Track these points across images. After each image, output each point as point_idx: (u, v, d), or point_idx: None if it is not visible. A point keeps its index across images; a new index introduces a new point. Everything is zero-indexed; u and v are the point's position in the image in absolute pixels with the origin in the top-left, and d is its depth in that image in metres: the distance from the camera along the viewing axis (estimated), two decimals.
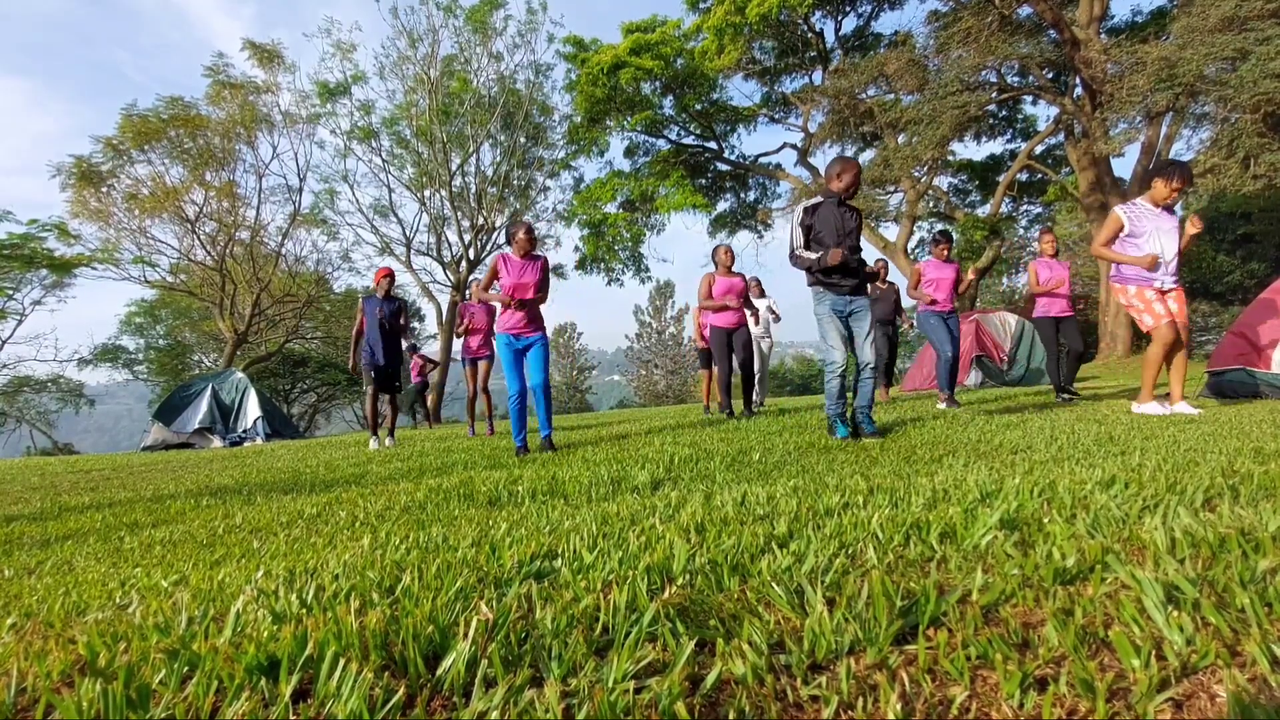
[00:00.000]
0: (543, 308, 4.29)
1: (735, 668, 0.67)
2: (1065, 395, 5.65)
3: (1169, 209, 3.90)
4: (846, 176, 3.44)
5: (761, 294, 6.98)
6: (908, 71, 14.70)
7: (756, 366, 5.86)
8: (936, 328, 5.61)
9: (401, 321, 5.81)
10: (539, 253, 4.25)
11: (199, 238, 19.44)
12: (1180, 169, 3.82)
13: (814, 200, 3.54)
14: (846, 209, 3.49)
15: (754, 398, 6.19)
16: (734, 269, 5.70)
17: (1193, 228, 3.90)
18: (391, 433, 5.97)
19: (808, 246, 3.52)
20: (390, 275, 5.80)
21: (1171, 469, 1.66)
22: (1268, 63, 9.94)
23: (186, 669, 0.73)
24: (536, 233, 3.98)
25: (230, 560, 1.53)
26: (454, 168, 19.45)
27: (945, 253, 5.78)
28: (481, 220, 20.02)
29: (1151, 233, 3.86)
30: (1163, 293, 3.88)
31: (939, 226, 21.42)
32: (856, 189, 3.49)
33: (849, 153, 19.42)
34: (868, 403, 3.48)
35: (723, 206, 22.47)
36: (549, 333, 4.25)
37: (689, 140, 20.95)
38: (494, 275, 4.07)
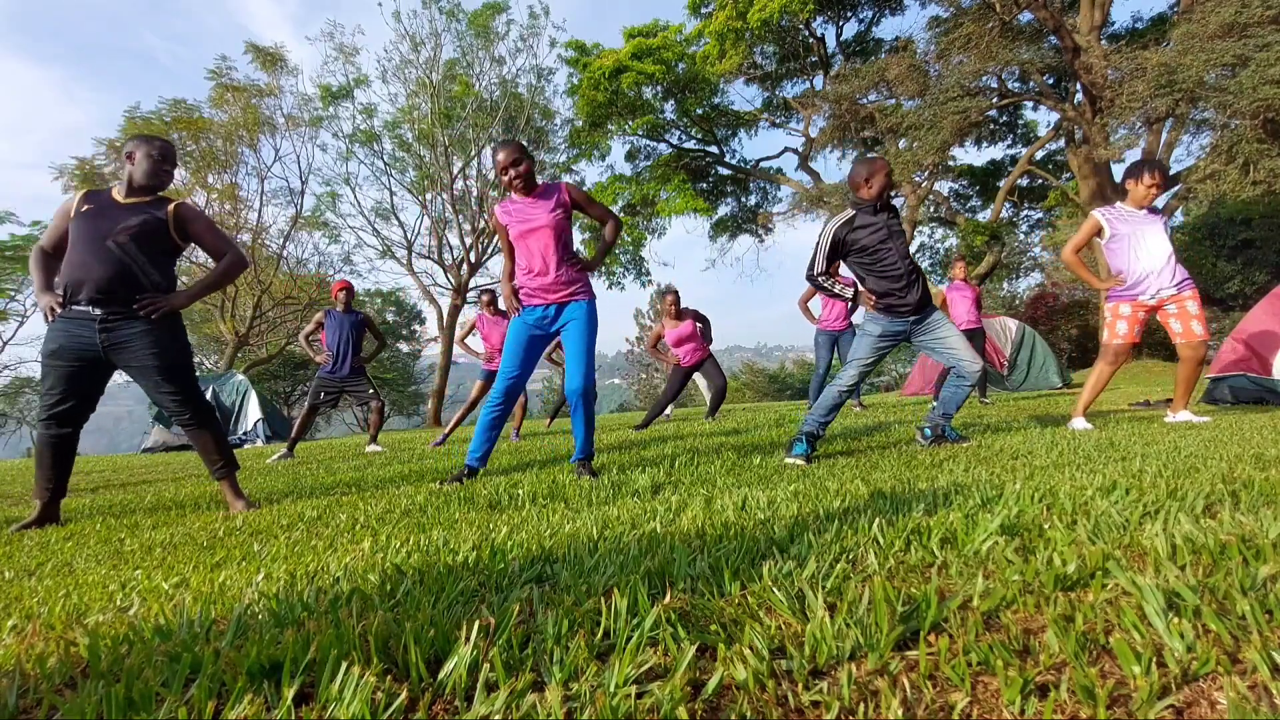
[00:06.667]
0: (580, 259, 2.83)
1: (736, 673, 0.67)
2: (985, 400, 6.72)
3: (1152, 210, 3.64)
4: (877, 180, 2.95)
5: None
6: (909, 77, 14.72)
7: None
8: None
9: (366, 334, 5.60)
10: (549, 180, 2.79)
11: None
12: (1151, 164, 3.59)
13: (846, 215, 3.03)
14: (887, 213, 3.02)
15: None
16: (683, 308, 6.22)
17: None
18: (374, 439, 5.92)
19: (865, 267, 3.02)
20: (348, 288, 5.59)
21: (1172, 475, 1.66)
22: (1267, 69, 9.96)
23: (189, 672, 0.73)
24: (528, 158, 2.66)
25: (231, 563, 1.53)
26: (455, 171, 19.48)
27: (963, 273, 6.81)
28: (483, 224, 20.06)
29: (1131, 236, 3.58)
30: (1151, 308, 3.60)
31: (940, 233, 21.45)
32: (890, 192, 3.00)
33: (850, 157, 19.40)
34: (955, 410, 3.14)
35: (724, 210, 22.52)
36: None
37: (690, 144, 21.01)
38: (504, 239, 2.80)
